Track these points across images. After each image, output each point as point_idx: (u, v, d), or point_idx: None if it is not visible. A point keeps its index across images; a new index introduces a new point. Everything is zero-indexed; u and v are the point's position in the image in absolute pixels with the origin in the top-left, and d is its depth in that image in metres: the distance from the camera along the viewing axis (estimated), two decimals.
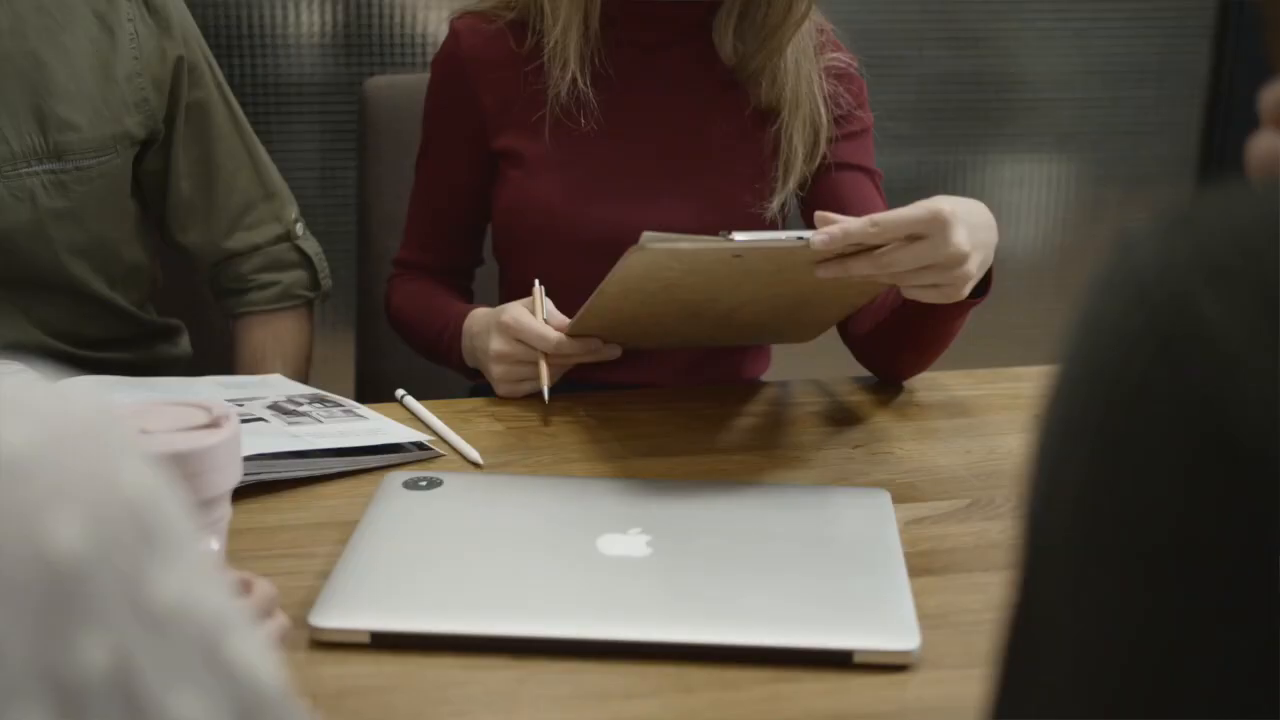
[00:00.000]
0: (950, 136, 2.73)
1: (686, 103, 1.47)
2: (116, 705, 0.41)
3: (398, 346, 1.78)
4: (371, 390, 1.74)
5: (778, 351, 1.66)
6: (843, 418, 1.37)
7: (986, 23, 2.68)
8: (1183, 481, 0.41)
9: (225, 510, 0.97)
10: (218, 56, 1.58)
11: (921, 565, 1.08)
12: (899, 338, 1.39)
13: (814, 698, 0.92)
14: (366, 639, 0.96)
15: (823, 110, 1.46)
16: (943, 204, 1.13)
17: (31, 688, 0.39)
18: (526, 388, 1.38)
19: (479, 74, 1.46)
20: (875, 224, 1.13)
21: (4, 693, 0.38)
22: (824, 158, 1.47)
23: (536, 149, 1.45)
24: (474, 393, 1.52)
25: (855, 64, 1.52)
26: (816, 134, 1.46)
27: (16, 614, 0.39)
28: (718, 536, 1.09)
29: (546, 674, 0.94)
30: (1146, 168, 2.80)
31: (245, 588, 0.91)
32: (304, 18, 2.33)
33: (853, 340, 1.47)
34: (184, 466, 0.92)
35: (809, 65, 1.46)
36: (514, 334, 1.35)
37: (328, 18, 2.34)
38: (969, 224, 1.15)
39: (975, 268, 1.17)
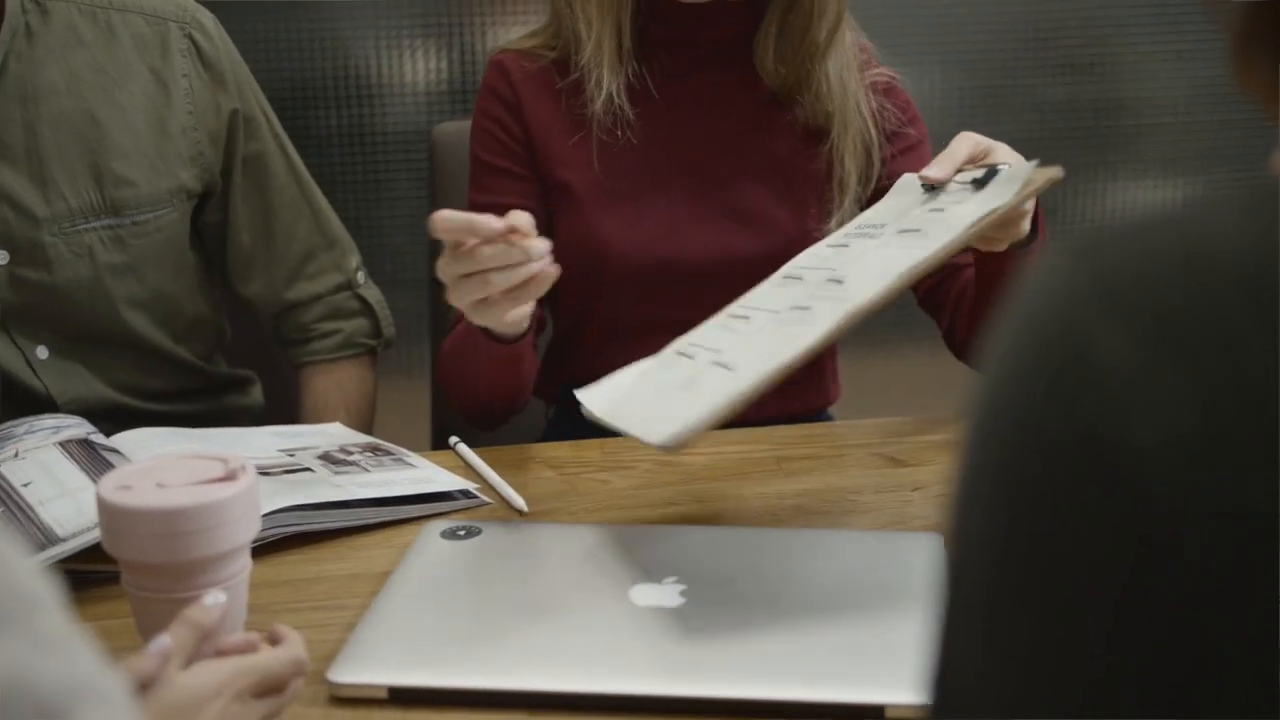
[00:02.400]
0: (1058, 163, 2.65)
1: (734, 127, 1.45)
2: None
3: None
4: (445, 439, 1.73)
5: (847, 385, 1.61)
6: (905, 459, 1.32)
7: (1090, 48, 2.61)
8: (1078, 516, 0.38)
9: (244, 563, 0.96)
10: (301, 108, 1.59)
11: None
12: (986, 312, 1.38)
13: None
14: (384, 694, 0.94)
15: (872, 129, 1.44)
16: (975, 135, 1.24)
17: None
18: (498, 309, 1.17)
19: (526, 103, 1.44)
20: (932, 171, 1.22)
21: None
22: (880, 179, 1.44)
23: (585, 180, 1.43)
24: (547, 433, 1.50)
25: (897, 77, 1.50)
26: (869, 152, 1.44)
27: None
28: (756, 585, 1.05)
29: None
30: None
31: (273, 640, 0.89)
32: (386, 69, 2.35)
33: (962, 348, 1.47)
34: (198, 520, 0.91)
35: (855, 84, 1.44)
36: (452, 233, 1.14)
37: (409, 69, 2.36)
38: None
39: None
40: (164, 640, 0.84)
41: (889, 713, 0.90)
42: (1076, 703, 0.38)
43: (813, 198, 1.44)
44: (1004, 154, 1.23)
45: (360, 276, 1.61)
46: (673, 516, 1.21)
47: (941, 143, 1.27)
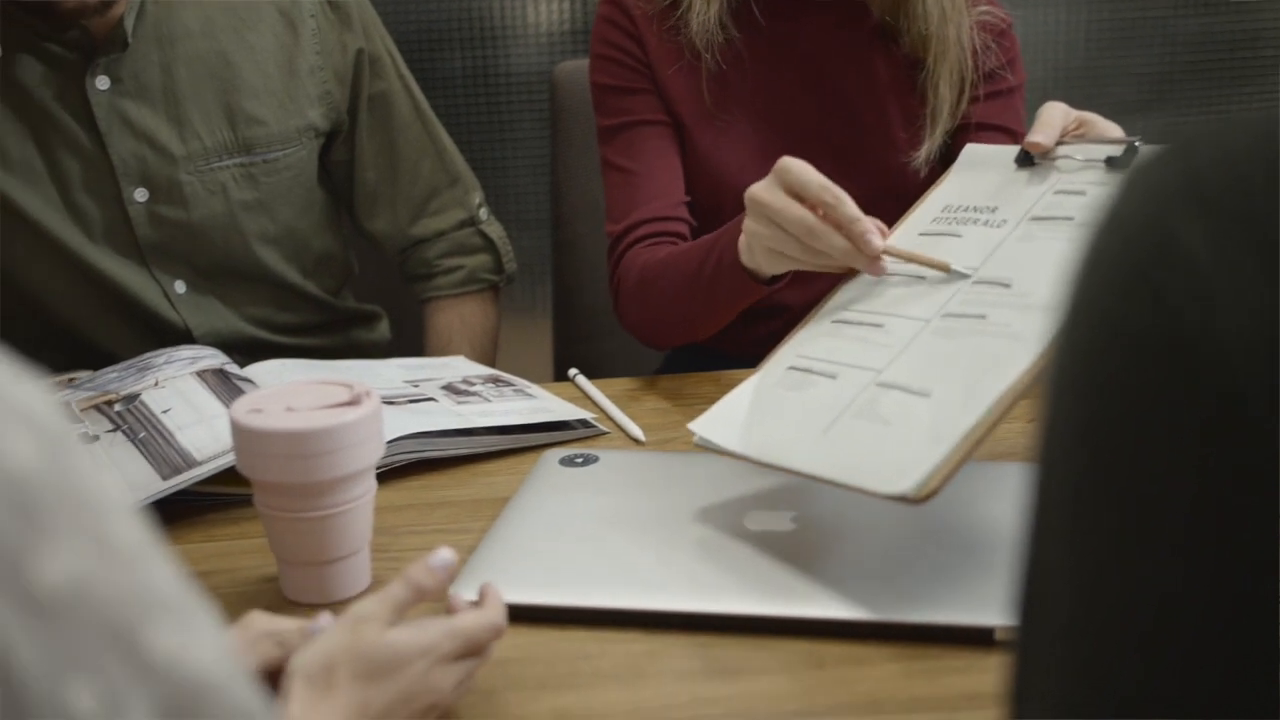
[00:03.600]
0: (1188, 98, 2.59)
1: (838, 60, 1.44)
2: None
3: (594, 329, 1.79)
4: (565, 373, 1.76)
5: None
6: None
7: None
8: (1160, 408, 0.38)
9: (369, 485, 1.00)
10: (426, 50, 1.62)
11: None
12: None
13: (949, 674, 0.89)
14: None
15: (970, 62, 1.42)
16: (1064, 105, 1.15)
17: None
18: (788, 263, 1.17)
19: (643, 32, 1.45)
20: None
21: None
22: (966, 116, 1.43)
23: (697, 111, 1.44)
24: (664, 367, 1.51)
25: (1010, 21, 1.47)
26: (963, 83, 1.42)
27: None
28: (862, 514, 1.06)
29: (677, 648, 0.93)
30: None
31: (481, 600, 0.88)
32: (510, 10, 2.37)
33: None
34: (324, 442, 0.95)
35: (958, 13, 1.41)
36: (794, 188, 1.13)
37: (531, 10, 2.38)
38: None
39: None
40: (447, 555, 0.85)
41: (999, 634, 0.91)
42: (1154, 598, 0.39)
43: (907, 124, 1.43)
44: (1101, 125, 1.13)
45: (483, 213, 1.64)
46: None
47: (1067, 80, 1.24)
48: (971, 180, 1.16)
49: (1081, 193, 1.07)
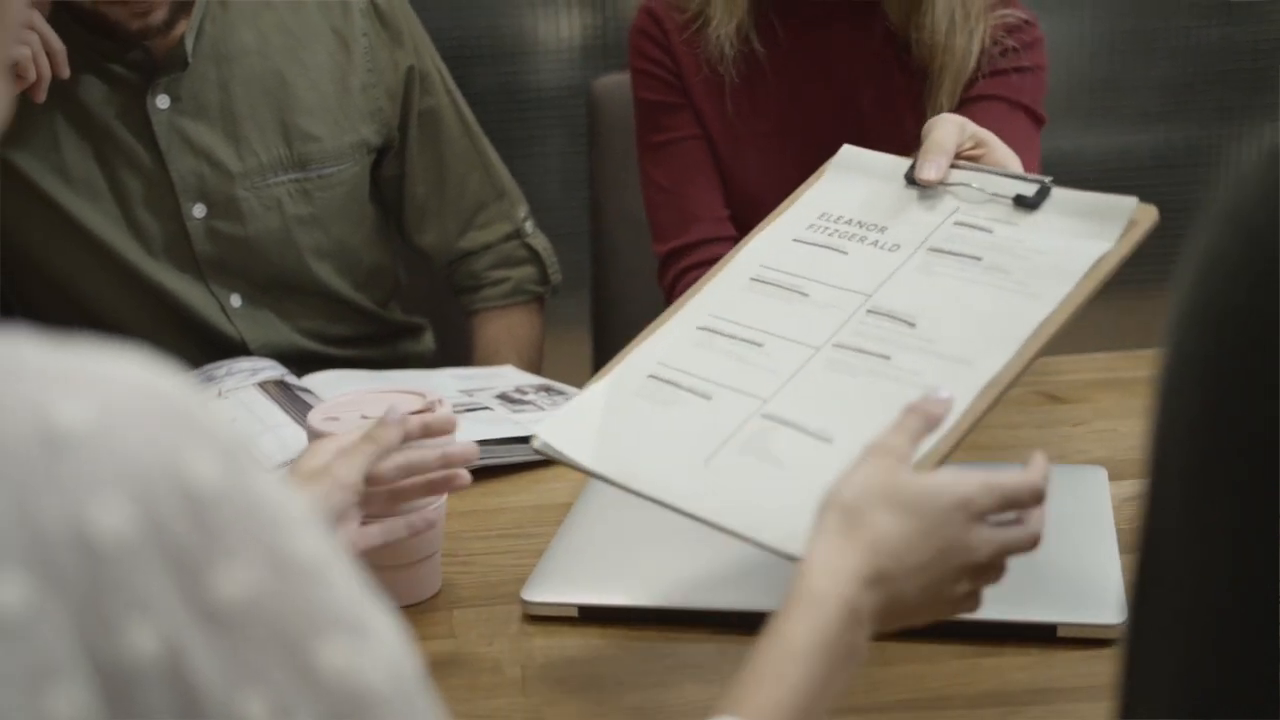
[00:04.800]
0: (1204, 108, 2.62)
1: (856, 67, 1.44)
2: (168, 696, 0.39)
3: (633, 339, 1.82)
4: None
5: None
6: (1062, 395, 1.35)
7: None
8: (1276, 399, 0.40)
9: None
10: (457, 66, 1.65)
11: (1135, 542, 1.05)
12: None
13: (1014, 671, 0.92)
14: (575, 612, 1.00)
15: (976, 71, 1.38)
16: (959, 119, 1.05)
17: (76, 667, 0.38)
18: None
19: (675, 46, 1.47)
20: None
21: (47, 670, 0.38)
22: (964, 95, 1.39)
23: (721, 123, 1.46)
24: None
25: (1032, 19, 1.42)
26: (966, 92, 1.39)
27: (59, 593, 0.38)
28: None
29: (747, 646, 0.96)
30: None
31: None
32: (539, 26, 2.41)
33: None
34: None
35: (969, 22, 1.37)
36: None
37: (562, 25, 2.41)
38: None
39: None
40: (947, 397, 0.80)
41: (1061, 631, 0.94)
42: (1266, 573, 0.41)
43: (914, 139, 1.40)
44: (999, 152, 1.03)
45: (528, 226, 1.67)
46: None
47: (1089, 89, 1.16)
48: (849, 186, 1.05)
49: (987, 230, 0.97)
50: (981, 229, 0.97)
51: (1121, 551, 1.02)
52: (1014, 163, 1.03)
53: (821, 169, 1.08)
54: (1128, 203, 0.94)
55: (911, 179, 1.02)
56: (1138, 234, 0.93)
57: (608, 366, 0.99)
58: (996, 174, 1.00)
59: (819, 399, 0.91)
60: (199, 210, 1.46)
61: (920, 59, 1.41)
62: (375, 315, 1.62)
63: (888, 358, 0.91)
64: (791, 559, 0.79)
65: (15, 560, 0.38)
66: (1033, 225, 0.96)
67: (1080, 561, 1.00)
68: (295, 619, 0.42)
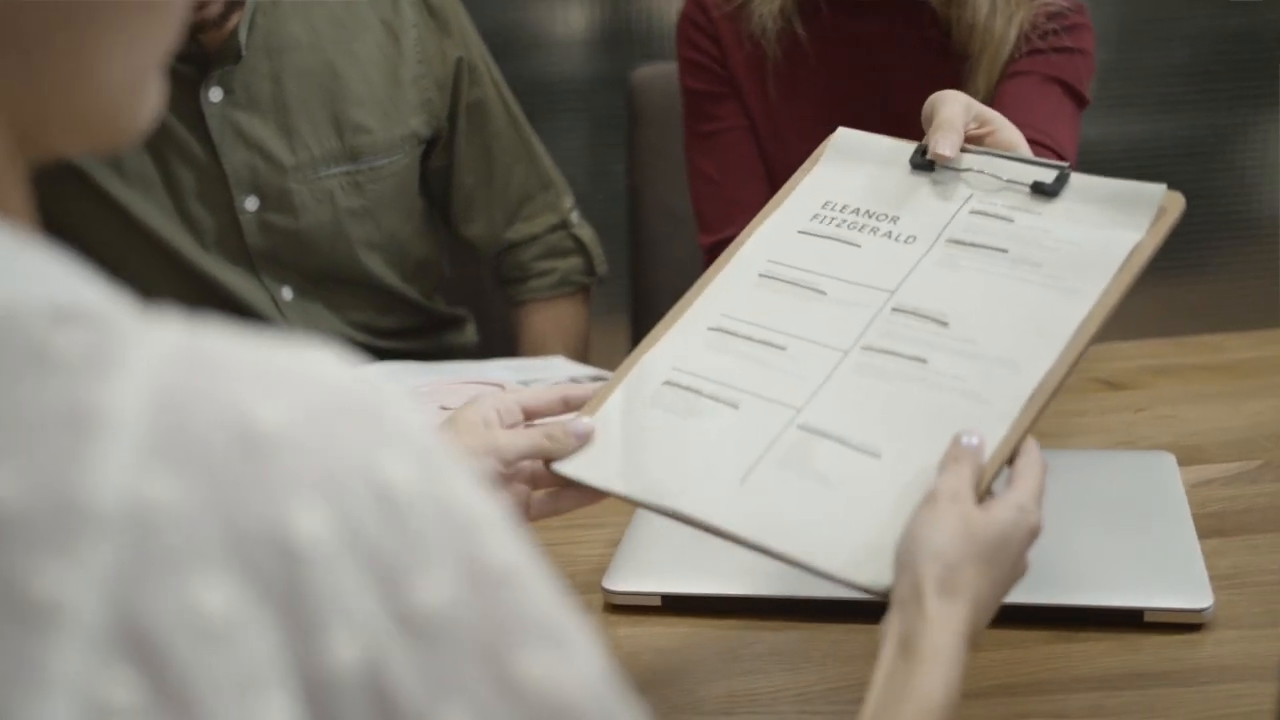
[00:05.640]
0: (1225, 96, 2.62)
1: (897, 50, 1.44)
2: (368, 707, 0.38)
3: None
4: None
5: None
6: (1122, 382, 1.35)
7: None
8: None
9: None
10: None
11: (1211, 527, 1.06)
12: None
13: (1103, 656, 0.92)
14: (658, 601, 1.01)
15: (1009, 49, 1.37)
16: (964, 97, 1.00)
17: (284, 676, 0.37)
18: None
19: (722, 34, 1.47)
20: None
21: (256, 679, 0.37)
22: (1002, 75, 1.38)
23: (764, 109, 1.46)
24: None
25: (1081, 8, 1.41)
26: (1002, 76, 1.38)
27: (264, 598, 0.37)
28: None
29: (834, 633, 0.96)
30: None
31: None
32: (569, 16, 2.40)
33: None
34: None
35: (1009, 6, 1.36)
36: None
37: (592, 16, 2.41)
38: None
39: None
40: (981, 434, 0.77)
41: (1148, 616, 0.94)
42: None
43: None
44: (1006, 132, 0.97)
45: (574, 216, 1.67)
46: None
47: (1107, 76, 1.13)
48: (849, 172, 0.98)
49: (1007, 219, 0.91)
50: (1001, 218, 0.91)
51: (1201, 537, 1.02)
52: (1021, 143, 0.96)
53: (816, 152, 1.01)
54: (1155, 190, 0.88)
55: (917, 163, 0.96)
56: (1168, 222, 0.88)
57: (615, 376, 0.91)
58: (1010, 158, 0.94)
59: (857, 408, 0.84)
60: (251, 203, 1.46)
61: (960, 41, 1.41)
62: (422, 307, 1.62)
63: (924, 361, 0.85)
64: (862, 589, 0.76)
65: (218, 563, 0.37)
66: (1056, 214, 0.90)
67: (1162, 547, 1.01)
68: (494, 628, 0.41)
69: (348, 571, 0.38)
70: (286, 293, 1.50)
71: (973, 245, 0.90)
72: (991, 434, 0.79)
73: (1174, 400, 1.30)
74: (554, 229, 1.65)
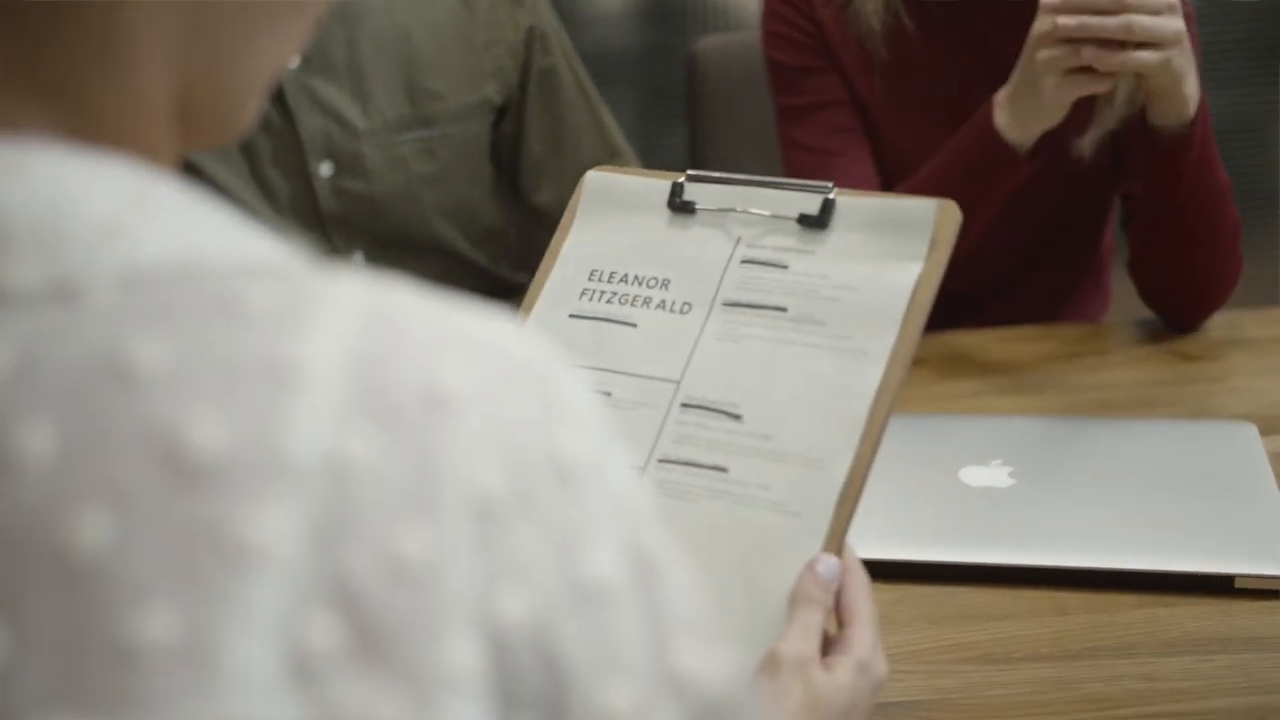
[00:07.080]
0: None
1: (1007, 35, 1.41)
2: (538, 669, 0.39)
3: None
4: None
5: (1118, 295, 1.63)
6: (1197, 354, 1.35)
7: None
8: None
9: None
10: None
11: None
12: (1165, 234, 1.35)
13: (1193, 621, 0.92)
14: None
15: None
16: None
17: (465, 620, 0.38)
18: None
19: (820, 13, 1.46)
20: None
21: (444, 620, 0.38)
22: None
23: (868, 92, 1.46)
24: None
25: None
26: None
27: (456, 547, 0.38)
28: (1080, 468, 1.09)
29: (921, 596, 0.97)
30: None
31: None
32: None
33: (1140, 273, 1.41)
34: None
35: None
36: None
37: None
38: None
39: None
40: (832, 563, 0.71)
41: (1238, 583, 0.94)
42: None
43: (1074, 111, 1.33)
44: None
45: None
46: (982, 408, 1.26)
47: None
48: (609, 227, 0.87)
49: (781, 265, 0.80)
50: (774, 265, 0.80)
51: None
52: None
53: (572, 203, 0.90)
54: (924, 207, 0.77)
55: (676, 206, 0.84)
56: (946, 241, 0.76)
57: None
58: (769, 184, 0.82)
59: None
60: (326, 168, 1.46)
61: None
62: (489, 273, 1.63)
63: (724, 470, 0.75)
64: None
65: (414, 513, 0.38)
66: (830, 251, 0.79)
67: (1249, 515, 1.01)
68: (652, 613, 0.41)
69: (526, 531, 0.39)
70: (358, 258, 1.51)
71: (749, 307, 0.80)
72: (807, 551, 0.71)
73: (1250, 371, 1.30)
74: None
